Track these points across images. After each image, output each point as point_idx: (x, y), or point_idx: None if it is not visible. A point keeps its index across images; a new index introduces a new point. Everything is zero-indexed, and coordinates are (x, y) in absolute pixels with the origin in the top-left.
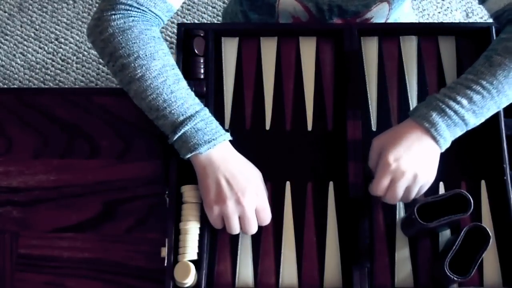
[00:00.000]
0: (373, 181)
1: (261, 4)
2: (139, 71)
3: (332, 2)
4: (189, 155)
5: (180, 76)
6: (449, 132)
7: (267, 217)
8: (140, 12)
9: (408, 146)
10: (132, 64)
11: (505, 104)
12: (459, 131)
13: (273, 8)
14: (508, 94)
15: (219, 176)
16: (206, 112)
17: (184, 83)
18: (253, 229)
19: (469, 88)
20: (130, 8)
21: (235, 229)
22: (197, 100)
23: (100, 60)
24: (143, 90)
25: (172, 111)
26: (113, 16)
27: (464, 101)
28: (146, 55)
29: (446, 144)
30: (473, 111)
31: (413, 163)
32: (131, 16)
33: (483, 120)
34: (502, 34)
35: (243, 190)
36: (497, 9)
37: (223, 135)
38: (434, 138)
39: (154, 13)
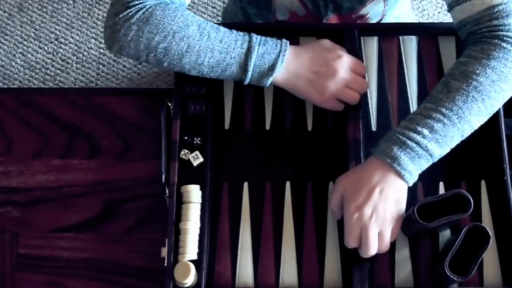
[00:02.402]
0: (344, 235)
1: None
2: (183, 44)
3: None
4: (271, 79)
5: (215, 24)
6: (413, 165)
7: (362, 67)
8: (153, 0)
9: (369, 191)
10: (174, 42)
11: (468, 131)
12: (424, 163)
13: (270, 2)
14: (470, 119)
15: (305, 74)
16: (256, 36)
17: (222, 28)
18: (365, 84)
19: (429, 117)
20: (142, 1)
21: (354, 97)
22: (240, 32)
23: (100, 60)
24: (197, 57)
25: (233, 55)
26: (130, 13)
27: (425, 131)
28: (180, 27)
29: (412, 178)
30: (436, 140)
31: (376, 206)
32: (147, 5)
33: (448, 150)
34: (460, 58)
35: (331, 66)
36: (461, 18)
37: (283, 43)
38: (398, 174)
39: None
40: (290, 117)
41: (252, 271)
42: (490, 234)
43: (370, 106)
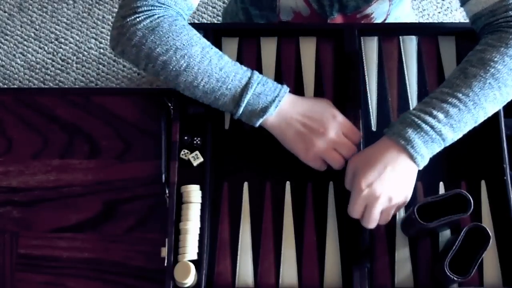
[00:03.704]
0: (348, 205)
1: None
2: (182, 62)
3: None
4: (261, 121)
5: (220, 51)
6: (426, 149)
7: (355, 134)
8: (162, 9)
9: (381, 169)
10: (174, 58)
11: (482, 117)
12: (436, 148)
13: (274, 3)
14: (485, 106)
15: (295, 125)
16: (257, 74)
17: (226, 57)
18: (352, 151)
19: (445, 101)
20: (152, 8)
21: (339, 161)
22: (243, 67)
23: (100, 60)
24: (194, 78)
25: (229, 87)
26: (138, 19)
27: (441, 115)
28: (184, 45)
29: (423, 161)
30: (450, 125)
31: (386, 186)
32: (155, 14)
33: (460, 135)
34: (477, 46)
35: (321, 123)
36: (476, 11)
37: (283, 89)
38: (411, 156)
39: (176, 10)
40: None
41: (252, 271)
42: (490, 234)
43: (370, 106)
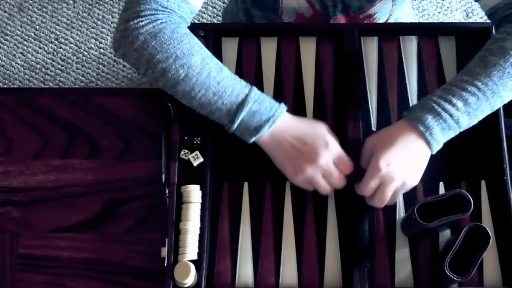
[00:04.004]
0: (361, 181)
1: (265, 0)
2: (181, 71)
3: None
4: (253, 139)
5: (220, 64)
6: (442, 136)
7: (347, 165)
8: (166, 14)
9: (400, 150)
10: (173, 66)
11: (498, 105)
12: (452, 134)
13: (277, 4)
14: (502, 95)
15: (287, 147)
16: (256, 92)
17: (226, 70)
18: (341, 181)
19: (464, 89)
20: (155, 12)
21: (325, 188)
22: (243, 82)
23: (100, 60)
24: (191, 89)
25: (225, 102)
26: (141, 23)
27: (460, 104)
28: (184, 54)
29: (438, 147)
30: (467, 113)
31: (403, 169)
32: (159, 19)
33: (475, 122)
34: (496, 34)
35: (313, 149)
36: (492, 5)
37: (279, 108)
38: (427, 142)
39: (179, 15)
40: None
41: (252, 271)
42: (490, 234)
43: (370, 106)
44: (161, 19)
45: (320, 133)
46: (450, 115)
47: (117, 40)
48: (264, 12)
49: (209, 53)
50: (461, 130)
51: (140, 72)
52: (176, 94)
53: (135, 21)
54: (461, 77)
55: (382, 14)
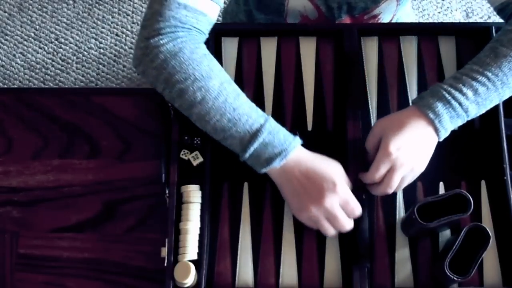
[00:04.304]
0: (371, 166)
1: (269, 3)
2: (198, 94)
3: None
4: (264, 170)
5: (239, 89)
6: (451, 124)
7: (354, 209)
8: (185, 31)
9: (409, 135)
10: (191, 88)
11: (507, 95)
12: (459, 123)
13: (282, 7)
14: None
15: (295, 183)
16: (271, 123)
17: (243, 96)
18: (346, 226)
19: (475, 79)
20: (175, 30)
21: (329, 230)
22: (260, 111)
23: (100, 60)
24: (206, 113)
25: (238, 130)
26: (161, 41)
27: (470, 93)
28: (203, 76)
29: (445, 135)
30: (476, 103)
31: (412, 154)
32: (179, 38)
33: (483, 111)
34: (507, 26)
35: (320, 191)
36: (502, 0)
37: (293, 142)
38: (436, 129)
39: (198, 29)
40: (290, 117)
41: (252, 271)
42: (490, 234)
43: (370, 106)
44: (181, 37)
45: (330, 173)
46: (460, 103)
47: (137, 57)
48: (268, 15)
49: (228, 77)
50: (469, 119)
51: (158, 90)
52: (191, 116)
53: (156, 39)
54: (471, 67)
55: (386, 14)
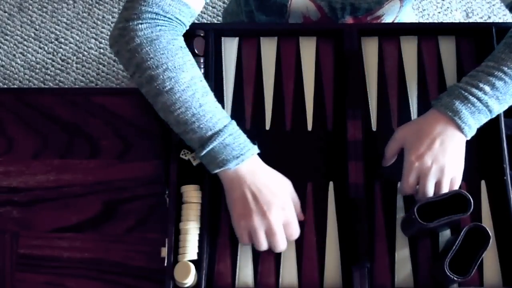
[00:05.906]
0: (400, 182)
1: (271, 4)
2: (168, 83)
3: (345, 0)
4: (217, 171)
5: (208, 88)
6: (473, 120)
7: (294, 232)
8: (166, 20)
9: (431, 140)
10: (161, 76)
11: None
12: (483, 118)
13: (285, 8)
14: None
15: (245, 190)
16: (234, 126)
17: (211, 95)
18: (281, 245)
19: (491, 74)
20: (156, 17)
21: (262, 244)
22: (224, 113)
23: (100, 60)
24: (172, 103)
25: (201, 126)
26: (140, 26)
27: (487, 88)
28: (175, 67)
29: (471, 131)
30: (496, 97)
31: (436, 157)
32: (158, 25)
33: (506, 107)
34: None
35: (268, 204)
36: None
37: (251, 149)
38: (458, 127)
39: (179, 20)
40: (290, 117)
41: (252, 271)
42: (490, 234)
43: (370, 106)
44: (161, 25)
45: (282, 192)
46: (478, 98)
47: (113, 37)
48: (270, 16)
49: (199, 74)
50: (493, 115)
51: (128, 73)
52: (156, 104)
53: (135, 22)
54: (487, 64)
55: (389, 15)
